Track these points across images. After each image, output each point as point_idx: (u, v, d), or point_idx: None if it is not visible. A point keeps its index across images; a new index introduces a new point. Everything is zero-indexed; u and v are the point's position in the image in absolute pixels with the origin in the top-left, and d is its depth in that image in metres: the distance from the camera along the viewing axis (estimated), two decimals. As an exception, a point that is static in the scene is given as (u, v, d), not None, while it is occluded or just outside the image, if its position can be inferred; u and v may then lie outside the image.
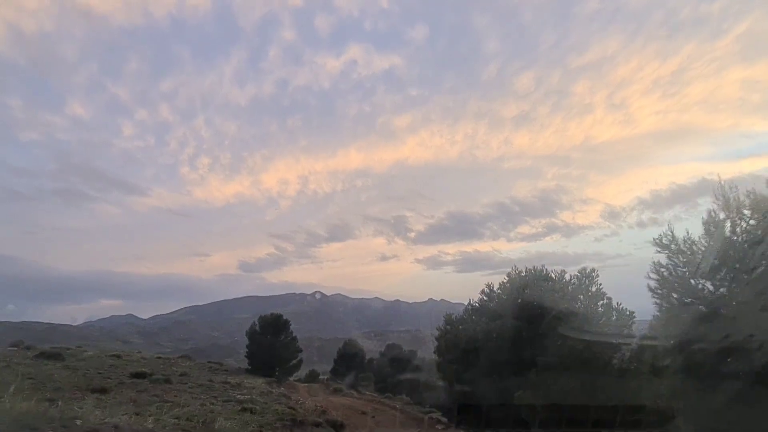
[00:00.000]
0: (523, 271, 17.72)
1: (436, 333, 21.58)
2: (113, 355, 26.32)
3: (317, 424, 14.15)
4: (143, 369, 20.26)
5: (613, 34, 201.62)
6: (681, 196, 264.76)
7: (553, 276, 16.82)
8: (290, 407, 16.11)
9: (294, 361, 36.10)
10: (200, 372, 27.46)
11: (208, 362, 38.93)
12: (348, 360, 43.59)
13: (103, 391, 13.14)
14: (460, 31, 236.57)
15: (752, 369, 9.74)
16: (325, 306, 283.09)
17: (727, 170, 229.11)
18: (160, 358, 32.37)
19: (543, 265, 17.46)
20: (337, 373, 43.96)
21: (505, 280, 18.44)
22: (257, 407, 14.44)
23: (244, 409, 14.10)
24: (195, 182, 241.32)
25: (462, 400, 18.35)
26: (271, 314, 36.03)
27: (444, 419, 18.43)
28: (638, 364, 13.99)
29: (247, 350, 34.93)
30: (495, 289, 18.96)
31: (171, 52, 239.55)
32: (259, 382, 25.57)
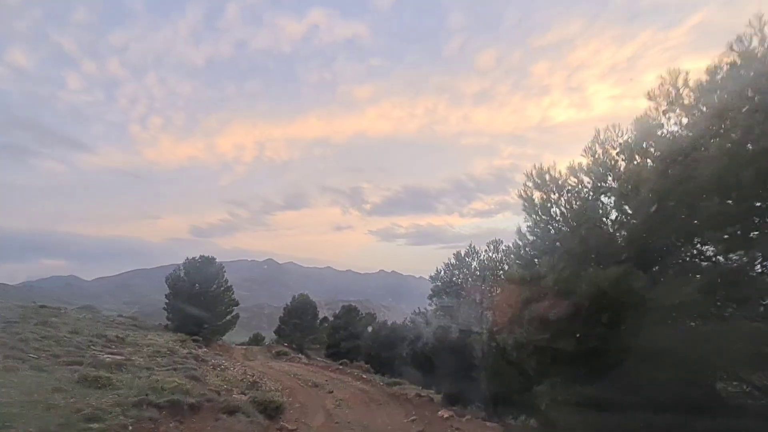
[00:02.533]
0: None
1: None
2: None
3: (232, 411, 7.66)
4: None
5: (575, 16, 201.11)
6: None
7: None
8: (192, 377, 9.50)
9: (228, 317, 29.28)
10: (92, 325, 20.07)
11: (120, 316, 31.49)
12: (297, 317, 37.13)
13: None
14: (426, 3, 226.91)
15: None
16: (277, 274, 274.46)
17: None
18: (44, 307, 24.37)
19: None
20: (283, 334, 37.54)
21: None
22: (117, 378, 7.75)
23: (89, 380, 7.38)
24: (146, 142, 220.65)
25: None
26: (201, 257, 28.73)
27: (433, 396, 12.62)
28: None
29: (166, 301, 27.64)
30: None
31: (123, 3, 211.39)
32: (166, 339, 18.57)
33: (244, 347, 36.01)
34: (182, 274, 28.01)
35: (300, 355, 31.20)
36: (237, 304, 31.33)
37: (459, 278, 15.83)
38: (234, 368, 15.60)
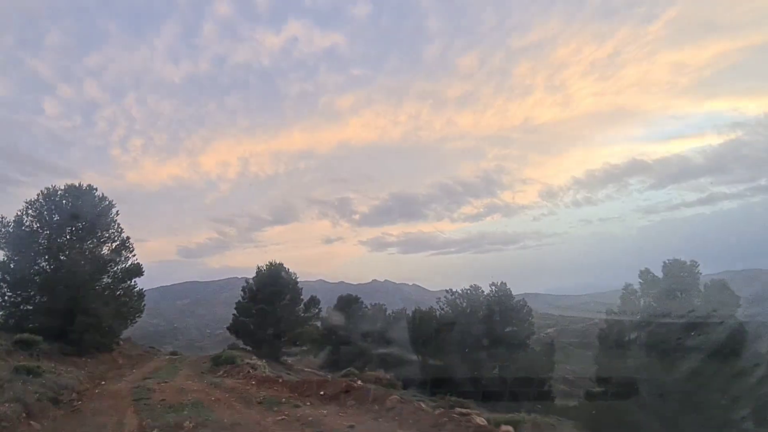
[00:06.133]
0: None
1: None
2: None
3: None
4: None
5: (554, 15, 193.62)
6: (613, 175, 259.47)
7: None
8: None
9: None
10: None
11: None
12: (265, 300, 22.24)
13: None
14: (403, 8, 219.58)
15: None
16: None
17: (656, 150, 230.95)
18: None
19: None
20: (243, 330, 22.61)
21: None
22: None
23: None
24: (127, 165, 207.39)
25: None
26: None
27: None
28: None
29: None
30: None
31: (97, 25, 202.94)
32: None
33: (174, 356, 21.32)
34: None
35: (259, 363, 16.11)
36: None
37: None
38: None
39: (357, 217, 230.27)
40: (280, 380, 10.01)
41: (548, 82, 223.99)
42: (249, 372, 11.85)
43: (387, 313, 38.51)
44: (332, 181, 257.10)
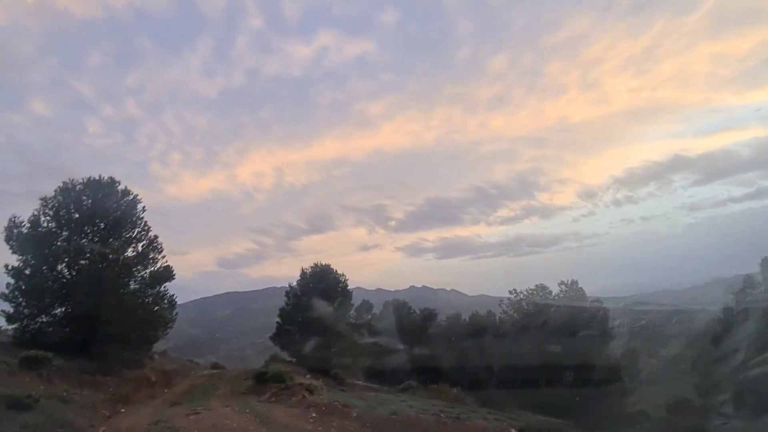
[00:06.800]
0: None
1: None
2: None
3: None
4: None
5: (585, 12, 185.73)
6: (655, 173, 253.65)
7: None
8: None
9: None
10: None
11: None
12: (307, 306, 19.55)
13: None
14: (431, 13, 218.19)
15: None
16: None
17: (699, 146, 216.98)
18: None
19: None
20: (287, 340, 19.98)
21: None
22: None
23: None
24: (167, 179, 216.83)
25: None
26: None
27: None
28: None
29: None
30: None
31: (134, 45, 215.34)
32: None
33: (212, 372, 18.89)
34: None
35: (314, 383, 13.15)
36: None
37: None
38: None
39: (393, 223, 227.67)
40: (353, 413, 7.01)
41: (582, 80, 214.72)
42: (304, 397, 8.92)
43: (438, 318, 35.31)
44: (367, 188, 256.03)
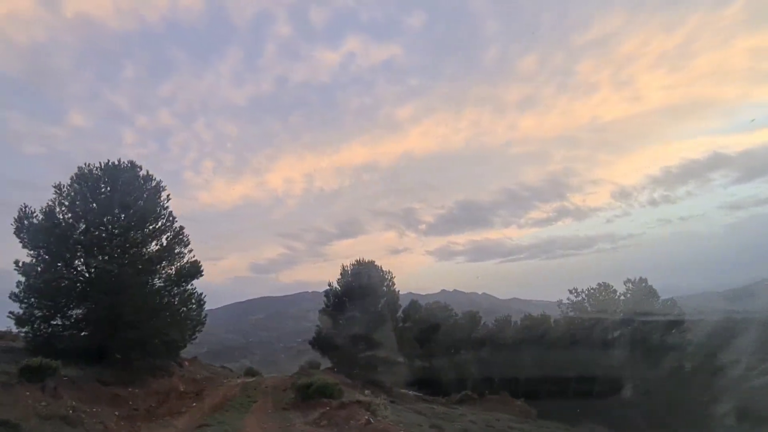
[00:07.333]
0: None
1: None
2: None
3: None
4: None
5: (616, 9, 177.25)
6: (693, 171, 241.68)
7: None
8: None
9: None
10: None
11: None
12: (354, 306, 17.47)
13: None
14: (458, 15, 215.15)
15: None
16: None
17: (739, 142, 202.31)
18: None
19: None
20: (327, 350, 17.88)
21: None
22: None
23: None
24: (200, 186, 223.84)
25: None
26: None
27: None
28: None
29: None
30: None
31: (166, 56, 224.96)
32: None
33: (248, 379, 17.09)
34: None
35: (376, 401, 10.82)
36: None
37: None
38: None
39: (423, 227, 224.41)
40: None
41: (614, 78, 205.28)
42: (369, 422, 6.68)
43: (483, 322, 32.66)
44: (396, 192, 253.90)
